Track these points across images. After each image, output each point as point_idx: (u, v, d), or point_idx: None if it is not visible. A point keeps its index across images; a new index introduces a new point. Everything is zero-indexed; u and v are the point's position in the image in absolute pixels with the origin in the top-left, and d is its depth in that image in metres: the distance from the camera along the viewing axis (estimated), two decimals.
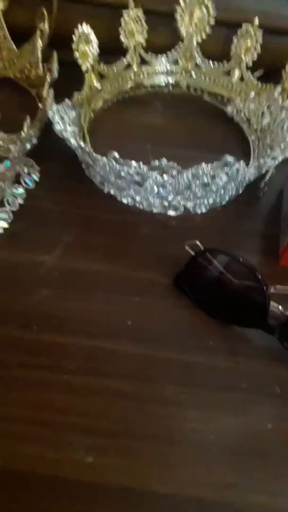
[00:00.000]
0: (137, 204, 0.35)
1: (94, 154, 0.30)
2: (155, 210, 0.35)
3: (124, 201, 0.35)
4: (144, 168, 0.29)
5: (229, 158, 0.29)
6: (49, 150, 0.37)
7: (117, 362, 0.28)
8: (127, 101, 0.43)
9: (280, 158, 0.31)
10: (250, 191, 0.37)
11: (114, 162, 0.29)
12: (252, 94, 0.40)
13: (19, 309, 0.30)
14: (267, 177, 0.36)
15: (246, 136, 0.40)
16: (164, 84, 0.44)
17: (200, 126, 0.42)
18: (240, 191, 0.36)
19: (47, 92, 0.36)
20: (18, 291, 0.31)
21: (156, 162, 0.29)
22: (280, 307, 0.29)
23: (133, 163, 0.29)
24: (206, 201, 0.34)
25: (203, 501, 0.24)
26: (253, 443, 0.26)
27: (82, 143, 0.31)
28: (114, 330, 0.30)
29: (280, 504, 0.24)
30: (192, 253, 0.30)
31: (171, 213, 0.35)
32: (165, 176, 0.30)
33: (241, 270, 0.29)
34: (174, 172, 0.29)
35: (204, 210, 0.35)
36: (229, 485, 0.25)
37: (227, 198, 0.35)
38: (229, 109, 0.42)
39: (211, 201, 0.35)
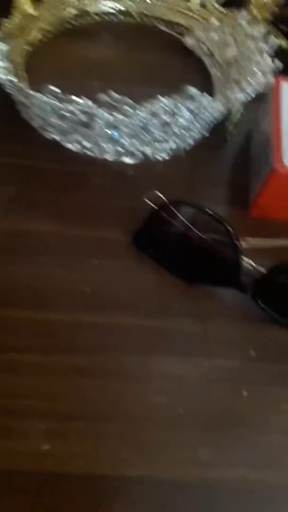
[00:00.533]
0: (87, 151, 0.30)
1: (29, 91, 0.25)
2: (108, 158, 0.30)
3: (71, 147, 0.30)
4: (91, 104, 0.24)
5: (193, 90, 0.24)
6: None
7: (73, 335, 0.25)
8: (69, 32, 0.37)
9: (249, 91, 0.27)
10: (216, 135, 0.33)
11: (54, 99, 0.24)
12: (215, 21, 0.35)
13: None
14: (235, 118, 0.32)
15: (208, 70, 0.36)
16: (112, 12, 0.38)
17: (156, 60, 0.37)
18: (206, 134, 0.32)
19: None
20: None
21: (105, 97, 0.24)
22: (252, 263, 0.27)
23: (77, 99, 0.24)
24: (167, 146, 0.30)
25: (177, 481, 0.22)
26: (227, 414, 0.23)
27: (13, 78, 0.25)
28: (69, 300, 0.26)
29: (259, 476, 0.22)
30: (153, 206, 0.26)
31: (128, 160, 0.30)
32: (116, 114, 0.25)
33: (209, 223, 0.25)
34: (128, 109, 0.24)
35: (165, 157, 0.31)
36: (204, 461, 0.22)
37: (191, 142, 0.31)
38: (188, 40, 0.37)
39: (173, 145, 0.30)
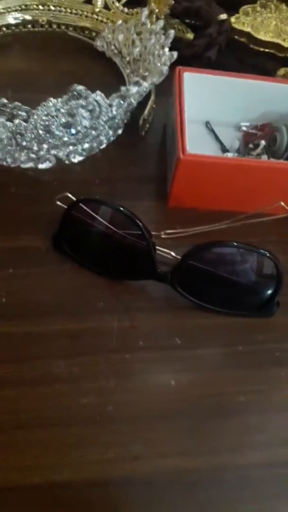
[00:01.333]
0: (1, 162, 0.30)
1: None
2: (23, 165, 0.30)
3: None
4: None
5: (79, 87, 0.24)
6: None
7: None
8: None
9: (146, 85, 0.27)
10: (131, 131, 0.33)
11: None
12: (120, 22, 0.35)
13: None
14: (146, 112, 0.33)
15: (120, 71, 0.36)
16: (20, 22, 0.38)
17: (69, 66, 0.37)
18: (120, 132, 0.32)
19: None
20: None
21: None
22: (172, 253, 0.27)
23: None
24: (79, 148, 0.30)
25: (106, 480, 0.21)
26: (157, 406, 0.23)
27: None
28: None
29: (197, 464, 0.22)
30: (64, 206, 0.26)
31: (43, 166, 0.30)
32: (16, 120, 0.25)
33: (120, 218, 0.25)
34: (23, 113, 0.24)
35: (80, 158, 0.31)
36: (135, 456, 0.22)
37: (104, 141, 0.31)
38: (98, 43, 0.37)
39: (86, 146, 0.30)
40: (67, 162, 0.31)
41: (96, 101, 0.25)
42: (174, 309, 0.26)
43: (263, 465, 0.22)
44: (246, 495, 0.22)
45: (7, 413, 0.22)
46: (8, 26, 0.37)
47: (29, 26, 0.38)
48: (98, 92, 0.25)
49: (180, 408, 0.23)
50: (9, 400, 0.23)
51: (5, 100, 0.24)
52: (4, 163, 0.30)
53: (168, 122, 0.32)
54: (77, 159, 0.31)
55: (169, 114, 0.32)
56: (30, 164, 0.30)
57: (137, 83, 0.26)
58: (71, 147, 0.30)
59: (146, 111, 0.32)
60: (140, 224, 0.24)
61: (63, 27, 0.38)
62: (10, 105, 0.24)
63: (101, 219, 0.26)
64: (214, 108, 0.33)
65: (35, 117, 0.24)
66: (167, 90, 0.33)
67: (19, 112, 0.24)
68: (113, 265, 0.26)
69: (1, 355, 0.24)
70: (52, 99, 0.24)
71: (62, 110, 0.24)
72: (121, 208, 0.24)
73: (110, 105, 0.26)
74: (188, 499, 0.21)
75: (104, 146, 0.32)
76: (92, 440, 0.22)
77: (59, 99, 0.24)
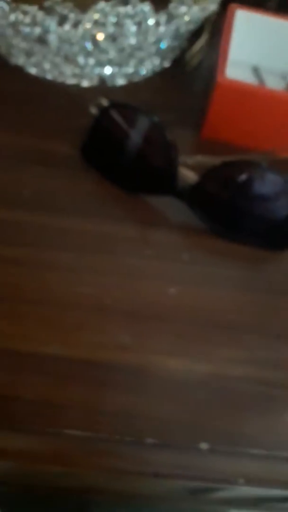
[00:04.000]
0: (47, 75, 0.31)
1: None
2: (67, 81, 0.32)
3: (33, 71, 0.32)
4: (38, 12, 0.25)
5: None
6: None
7: (8, 230, 0.26)
8: None
9: (196, 9, 0.27)
10: (178, 65, 0.34)
11: (5, 5, 0.25)
12: None
13: None
14: (195, 48, 0.33)
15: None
16: None
17: None
18: (166, 64, 0.33)
19: None
20: None
21: (48, 3, 0.25)
22: (194, 174, 0.27)
23: (26, 6, 0.25)
24: (125, 70, 0.31)
25: (92, 361, 0.22)
26: (153, 307, 0.24)
27: None
28: (8, 200, 0.27)
29: (179, 363, 0.23)
30: (96, 111, 0.27)
31: (85, 83, 0.31)
32: (65, 26, 0.26)
33: (150, 129, 0.26)
34: (72, 15, 0.25)
35: (123, 82, 0.32)
36: (123, 346, 0.23)
37: (150, 67, 0.32)
38: None
39: (130, 70, 0.31)
40: (110, 84, 0.32)
41: (144, 12, 0.25)
42: (187, 229, 0.27)
43: (248, 379, 0.23)
44: (226, 404, 0.22)
45: (11, 287, 0.24)
46: None
47: None
48: (147, 2, 0.25)
49: (175, 314, 0.24)
50: (15, 277, 0.24)
51: None
52: (50, 76, 0.32)
53: (214, 60, 0.33)
54: (120, 81, 0.32)
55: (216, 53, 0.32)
56: (74, 81, 0.32)
57: (182, 2, 0.26)
58: (115, 68, 0.31)
59: (195, 47, 0.33)
60: (167, 136, 0.25)
61: None
62: (61, 5, 0.25)
63: (130, 129, 0.26)
64: (263, 53, 0.33)
65: (85, 21, 0.25)
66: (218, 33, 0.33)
67: (69, 15, 0.25)
68: (134, 177, 0.27)
69: (15, 239, 0.25)
70: (102, 2, 0.24)
71: (111, 19, 0.25)
72: (153, 118, 0.25)
73: (158, 23, 0.27)
74: (167, 394, 0.22)
75: (148, 74, 0.32)
76: (86, 325, 0.23)
77: (109, 3, 0.25)
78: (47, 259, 0.25)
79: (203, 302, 0.24)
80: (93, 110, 0.27)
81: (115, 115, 0.26)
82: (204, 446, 0.21)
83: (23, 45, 0.29)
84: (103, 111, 0.26)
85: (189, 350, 0.23)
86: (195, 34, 0.34)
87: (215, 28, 0.35)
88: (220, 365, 0.23)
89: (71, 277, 0.24)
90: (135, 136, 0.27)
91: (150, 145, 0.26)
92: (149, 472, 0.20)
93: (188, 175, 0.26)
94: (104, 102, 0.26)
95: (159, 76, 0.33)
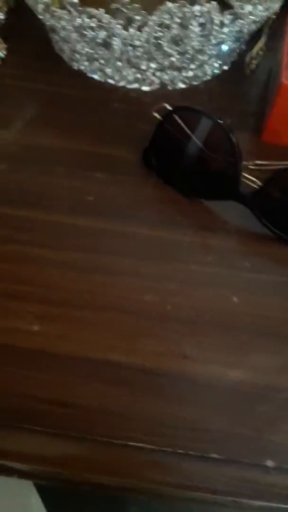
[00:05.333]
0: (109, 80, 0.32)
1: (53, 7, 0.27)
2: (128, 86, 0.32)
3: (95, 76, 0.32)
4: (105, 15, 0.25)
5: None
6: (19, 28, 0.35)
7: (73, 235, 0.26)
8: None
9: (261, 9, 0.27)
10: (237, 69, 0.33)
11: (73, 11, 0.26)
12: None
13: None
14: (254, 51, 0.32)
15: (231, 5, 0.35)
16: None
17: None
18: (225, 68, 0.32)
19: None
20: None
21: (116, 5, 0.25)
22: (257, 181, 0.26)
23: (93, 9, 0.25)
24: (185, 74, 0.31)
25: (152, 370, 0.22)
26: (214, 315, 0.23)
27: None
28: (73, 205, 0.27)
29: (240, 375, 0.22)
30: (158, 117, 0.26)
31: (146, 88, 0.31)
32: (130, 29, 0.26)
33: (213, 133, 0.25)
34: (138, 17, 0.25)
35: (183, 86, 0.32)
36: (183, 355, 0.22)
37: (209, 71, 0.31)
38: None
39: (190, 74, 0.31)
40: (170, 87, 0.32)
41: (209, 12, 0.25)
42: (249, 235, 0.26)
43: None
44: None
45: (75, 293, 0.24)
46: None
47: None
48: (214, 2, 0.25)
49: (237, 323, 0.23)
50: (78, 282, 0.24)
51: (125, 0, 0.25)
52: (112, 80, 0.32)
53: (275, 64, 0.32)
54: (180, 85, 0.32)
55: (277, 57, 0.31)
56: (135, 85, 0.32)
57: (254, 5, 0.26)
58: (175, 73, 0.31)
59: (254, 49, 0.32)
60: (233, 139, 0.24)
61: None
62: (129, 6, 0.25)
63: (192, 134, 0.26)
64: None
65: (150, 23, 0.25)
66: (280, 37, 0.32)
67: (136, 17, 0.25)
68: (195, 182, 0.27)
69: (80, 244, 0.25)
70: (169, 2, 0.24)
71: (176, 19, 0.25)
72: (218, 120, 0.25)
73: (222, 23, 0.26)
74: (229, 406, 0.21)
75: (208, 77, 0.32)
76: (147, 332, 0.23)
77: (176, 4, 0.24)
78: (109, 264, 0.25)
79: (266, 311, 0.24)
80: (156, 115, 0.27)
81: (177, 119, 0.26)
82: (270, 463, 0.20)
83: (87, 49, 0.30)
84: (166, 115, 0.26)
85: (250, 361, 0.22)
86: (252, 38, 0.33)
87: (271, 31, 0.34)
88: (284, 378, 0.22)
89: (134, 283, 0.24)
90: (198, 139, 0.26)
91: (212, 149, 0.26)
92: (211, 488, 0.20)
93: (250, 180, 0.26)
94: (167, 106, 0.26)
95: (218, 79, 0.33)
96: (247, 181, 0.26)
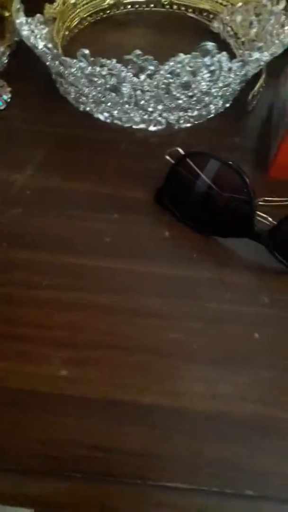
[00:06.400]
0: (116, 121, 0.33)
1: (63, 57, 0.28)
2: (135, 126, 0.33)
3: (102, 117, 0.33)
4: (117, 64, 0.26)
5: (210, 46, 0.26)
6: (21, 71, 0.36)
7: (92, 277, 0.26)
8: (105, 20, 0.40)
9: (267, 54, 0.28)
10: (238, 105, 0.34)
11: (84, 61, 0.27)
12: (240, 4, 0.37)
13: None
14: (256, 88, 0.34)
15: (234, 52, 0.37)
16: (144, 1, 0.40)
17: (185, 44, 0.39)
18: (228, 105, 0.34)
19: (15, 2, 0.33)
20: None
21: (130, 56, 0.26)
22: (268, 218, 0.27)
23: (105, 60, 0.26)
24: (190, 114, 0.32)
25: (187, 411, 0.23)
26: (238, 352, 0.24)
27: (50, 45, 0.28)
28: (91, 247, 0.28)
29: (270, 412, 0.23)
30: (172, 160, 0.27)
31: (153, 128, 0.32)
32: (141, 76, 0.27)
33: (225, 174, 0.26)
34: (151, 67, 0.26)
35: (188, 125, 0.33)
36: (214, 394, 0.23)
37: (213, 110, 0.33)
38: (215, 24, 0.39)
39: (195, 113, 0.32)
40: (176, 127, 0.33)
41: (219, 61, 0.26)
42: (265, 271, 0.27)
43: None
44: None
45: (102, 335, 0.24)
46: (133, 4, 0.40)
47: (152, 5, 0.40)
48: (224, 52, 0.26)
49: (262, 359, 0.24)
50: (105, 324, 0.25)
51: (138, 52, 0.26)
52: (119, 122, 0.33)
53: (277, 99, 0.33)
54: (185, 125, 0.33)
55: (279, 92, 0.33)
56: (142, 126, 0.33)
57: (259, 49, 0.27)
58: (181, 113, 0.32)
59: (256, 87, 0.34)
60: (247, 179, 0.25)
61: (183, 8, 0.40)
62: (142, 57, 0.26)
63: (205, 175, 0.27)
64: None
65: (161, 72, 0.26)
66: (278, 73, 0.34)
67: (148, 66, 0.26)
68: (210, 221, 0.28)
69: (104, 286, 0.26)
70: (182, 54, 0.25)
71: (187, 68, 0.26)
72: (230, 163, 0.26)
73: (230, 69, 0.28)
74: (261, 445, 0.22)
75: (211, 115, 0.33)
76: (174, 372, 0.24)
77: (189, 55, 0.25)
78: (131, 305, 0.26)
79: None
80: (168, 158, 0.28)
81: (190, 163, 0.27)
82: None
83: (95, 93, 0.31)
84: (179, 158, 0.27)
85: (280, 399, 0.23)
86: (253, 75, 0.35)
87: (269, 67, 0.35)
88: None
89: (160, 323, 0.25)
90: (211, 181, 0.27)
91: (225, 190, 0.27)
92: None
93: (261, 216, 0.27)
94: (180, 151, 0.27)
95: (221, 116, 0.34)
96: (259, 218, 0.27)
